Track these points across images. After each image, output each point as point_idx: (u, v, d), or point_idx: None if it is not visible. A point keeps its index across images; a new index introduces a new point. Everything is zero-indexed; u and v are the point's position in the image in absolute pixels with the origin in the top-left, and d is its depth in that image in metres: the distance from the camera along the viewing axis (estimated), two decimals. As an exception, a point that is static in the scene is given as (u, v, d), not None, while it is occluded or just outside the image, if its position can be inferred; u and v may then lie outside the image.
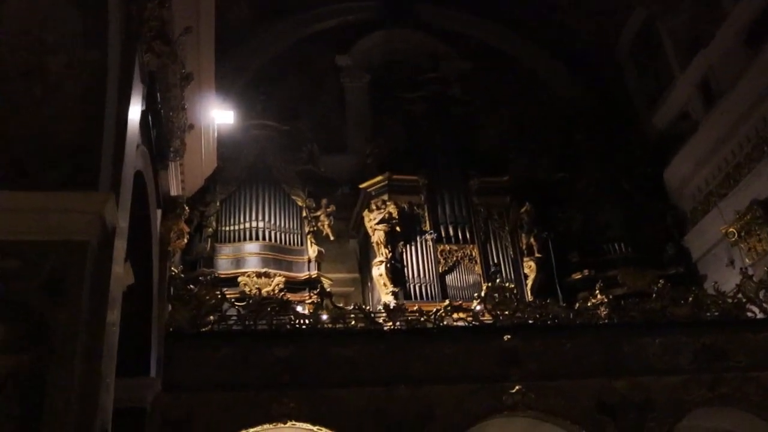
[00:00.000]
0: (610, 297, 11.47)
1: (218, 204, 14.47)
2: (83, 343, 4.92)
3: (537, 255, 14.58)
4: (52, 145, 5.29)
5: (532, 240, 14.74)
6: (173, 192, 11.04)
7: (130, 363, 8.23)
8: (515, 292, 11.55)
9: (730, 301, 11.53)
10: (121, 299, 6.43)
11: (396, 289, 12.26)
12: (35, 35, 5.31)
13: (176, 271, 10.62)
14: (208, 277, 10.94)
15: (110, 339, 5.41)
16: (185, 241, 11.26)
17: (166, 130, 9.44)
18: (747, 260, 12.82)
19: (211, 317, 10.19)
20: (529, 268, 14.51)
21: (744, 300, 11.54)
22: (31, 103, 5.31)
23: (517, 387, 9.97)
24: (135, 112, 6.79)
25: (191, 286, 10.45)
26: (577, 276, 14.73)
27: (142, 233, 8.61)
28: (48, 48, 5.32)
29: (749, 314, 11.45)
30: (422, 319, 10.63)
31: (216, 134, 12.61)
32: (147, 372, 8.75)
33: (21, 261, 4.86)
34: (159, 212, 9.91)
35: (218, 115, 12.43)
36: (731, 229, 13.17)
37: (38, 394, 4.69)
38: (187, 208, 10.96)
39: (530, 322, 10.82)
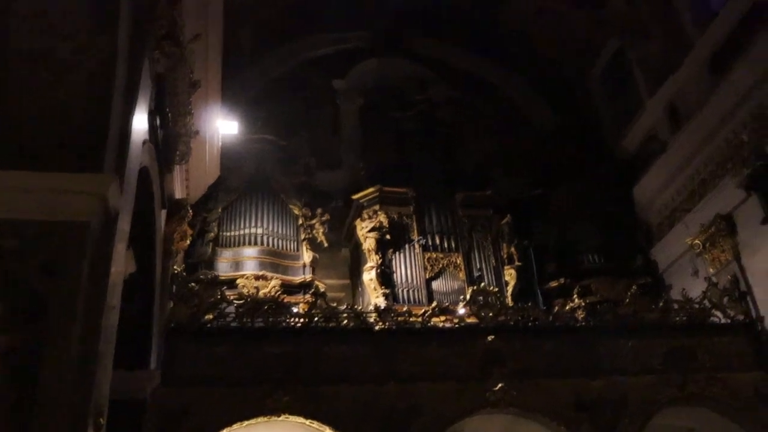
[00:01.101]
0: (587, 302, 11.30)
1: (220, 210, 14.07)
2: (81, 324, 4.47)
3: (517, 263, 14.32)
4: (59, 128, 4.88)
5: (512, 250, 14.48)
6: (178, 195, 10.67)
7: (131, 356, 7.96)
8: (498, 295, 11.29)
9: (696, 306, 11.42)
10: (125, 293, 6.01)
11: (387, 291, 11.90)
12: (46, 20, 4.88)
13: (178, 269, 10.19)
14: (209, 277, 10.45)
15: (109, 322, 4.94)
16: (188, 242, 10.99)
17: (172, 133, 9.16)
18: (711, 269, 12.54)
19: (210, 315, 9.85)
20: (510, 275, 14.21)
21: (709, 306, 11.45)
22: (40, 87, 4.90)
23: (499, 385, 9.78)
24: (143, 105, 6.38)
25: (192, 284, 10.04)
26: (554, 284, 14.45)
27: (147, 230, 8.27)
28: (58, 33, 4.89)
29: (714, 319, 11.35)
30: (411, 319, 10.44)
31: (220, 144, 12.29)
32: (147, 365, 8.43)
33: (20, 240, 4.40)
34: (164, 213, 9.59)
35: (223, 125, 12.11)
36: (696, 241, 12.88)
37: (33, 375, 4.21)
38: (190, 211, 10.61)
39: (512, 324, 10.63)
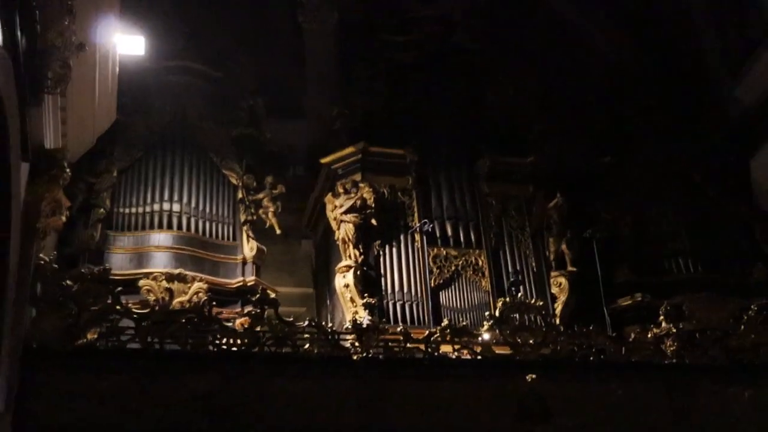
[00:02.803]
0: (680, 328, 11.22)
1: (115, 175, 13.84)
2: None
3: (570, 268, 14.28)
4: None
5: (564, 247, 14.46)
6: (49, 145, 10.41)
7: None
8: (543, 314, 11.37)
9: None
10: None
11: (371, 302, 11.70)
12: None
13: (47, 260, 9.87)
14: (95, 272, 10.13)
15: None
16: (63, 220, 10.86)
17: (41, 43, 8.80)
18: None
19: (95, 331, 9.74)
20: (559, 286, 14.18)
21: None
22: None
23: None
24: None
25: (68, 282, 9.76)
26: (626, 302, 14.52)
27: (-4, 190, 7.91)
28: None
29: None
30: (408, 345, 10.35)
31: (118, 70, 12.04)
32: (-11, 403, 8.20)
33: None
34: (25, 168, 9.27)
35: (123, 42, 11.91)
36: None
37: None
38: (69, 171, 10.33)
39: (564, 357, 10.69)
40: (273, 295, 11.88)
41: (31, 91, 8.76)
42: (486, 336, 10.89)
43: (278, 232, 14.42)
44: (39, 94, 9.13)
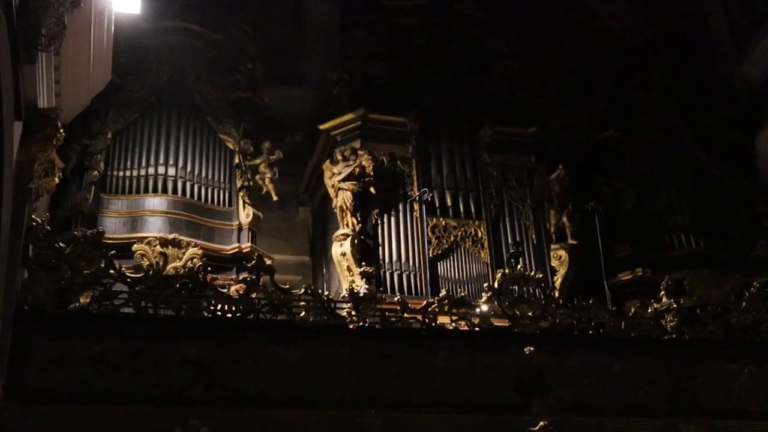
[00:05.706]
0: (681, 303, 11.28)
1: (109, 136, 13.85)
2: None
3: (571, 241, 14.36)
4: None
5: (564, 220, 14.53)
6: (43, 104, 10.29)
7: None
8: (543, 286, 11.18)
9: None
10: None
11: (369, 271, 11.72)
12: None
13: (40, 221, 9.82)
14: (89, 235, 10.06)
15: None
16: (56, 181, 10.67)
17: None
18: None
19: (88, 295, 9.60)
20: (559, 259, 14.27)
21: None
22: None
23: (540, 423, 9.64)
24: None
25: (61, 245, 9.69)
26: (626, 276, 14.61)
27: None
28: None
29: None
30: (405, 316, 10.27)
31: (113, 30, 11.98)
32: (-19, 367, 8.18)
33: None
34: (18, 127, 9.18)
35: (120, 0, 11.70)
36: None
37: None
38: (62, 131, 10.22)
39: (563, 330, 10.59)
40: (269, 262, 11.93)
41: (25, 48, 8.62)
42: (484, 307, 10.80)
43: (275, 198, 14.41)
44: (33, 52, 8.98)
